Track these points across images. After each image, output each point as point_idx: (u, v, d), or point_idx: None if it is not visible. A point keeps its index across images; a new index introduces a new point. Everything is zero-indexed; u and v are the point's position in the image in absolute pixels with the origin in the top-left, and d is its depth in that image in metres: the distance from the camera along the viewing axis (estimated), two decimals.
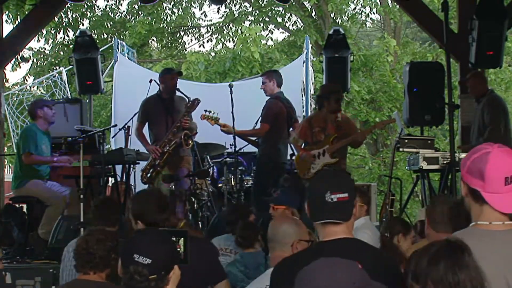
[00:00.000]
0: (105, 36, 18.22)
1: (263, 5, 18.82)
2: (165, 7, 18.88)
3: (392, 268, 2.60)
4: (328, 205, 2.59)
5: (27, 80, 18.07)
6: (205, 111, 7.61)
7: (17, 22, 12.45)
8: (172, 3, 18.87)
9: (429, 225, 3.68)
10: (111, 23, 18.70)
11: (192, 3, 18.93)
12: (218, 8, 18.83)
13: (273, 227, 3.52)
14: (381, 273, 2.46)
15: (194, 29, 20.08)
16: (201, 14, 23.97)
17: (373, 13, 18.77)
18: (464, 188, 2.40)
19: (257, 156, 7.74)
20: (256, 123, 7.78)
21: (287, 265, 2.73)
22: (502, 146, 2.35)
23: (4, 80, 11.91)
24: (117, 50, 11.99)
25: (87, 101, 9.33)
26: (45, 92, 15.23)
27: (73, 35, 17.00)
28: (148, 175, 7.29)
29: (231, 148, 7.81)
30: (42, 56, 18.63)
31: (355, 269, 2.07)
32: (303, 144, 7.39)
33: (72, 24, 17.57)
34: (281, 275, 2.70)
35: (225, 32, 19.13)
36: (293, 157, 7.99)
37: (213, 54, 18.75)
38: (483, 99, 7.19)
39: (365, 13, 18.59)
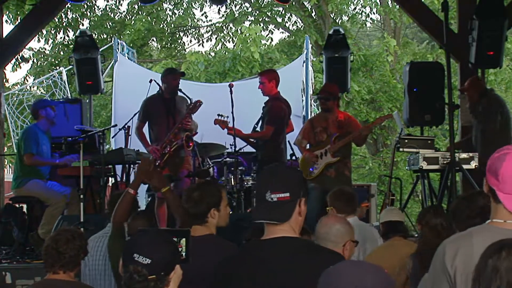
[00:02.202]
0: (105, 36, 18.23)
1: (263, 5, 18.82)
2: (166, 8, 18.90)
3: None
4: (268, 205, 2.55)
5: (27, 80, 18.09)
6: (218, 115, 7.57)
7: (17, 22, 12.45)
8: (173, 4, 18.88)
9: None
10: (111, 23, 18.71)
11: (192, 3, 18.94)
12: (219, 9, 18.86)
13: (326, 225, 3.44)
14: (316, 276, 2.45)
15: (194, 30, 20.08)
16: (202, 15, 24.02)
17: (373, 13, 18.79)
18: (485, 186, 2.42)
19: (259, 157, 7.70)
20: (257, 123, 7.74)
21: (229, 261, 2.73)
22: None
23: (4, 80, 11.92)
24: (117, 50, 12.00)
25: (87, 101, 9.33)
26: (45, 92, 15.23)
27: (73, 35, 17.02)
28: None
29: (231, 148, 7.81)
30: (42, 56, 18.64)
31: (382, 273, 2.05)
32: (307, 145, 7.41)
33: (72, 24, 17.58)
34: (221, 271, 2.69)
35: (225, 32, 19.14)
36: (293, 157, 8.00)
37: (213, 54, 18.76)
38: (480, 104, 7.21)
39: (365, 13, 18.61)
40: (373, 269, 2.01)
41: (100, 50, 9.62)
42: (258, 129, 7.67)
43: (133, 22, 18.29)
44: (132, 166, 7.95)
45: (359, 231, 4.99)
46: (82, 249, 3.61)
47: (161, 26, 18.98)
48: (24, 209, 7.55)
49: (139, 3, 16.85)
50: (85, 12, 18.03)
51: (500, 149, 2.40)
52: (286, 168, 2.79)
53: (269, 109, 7.53)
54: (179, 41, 20.46)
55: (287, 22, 19.14)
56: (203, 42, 20.09)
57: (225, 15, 19.04)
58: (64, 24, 17.57)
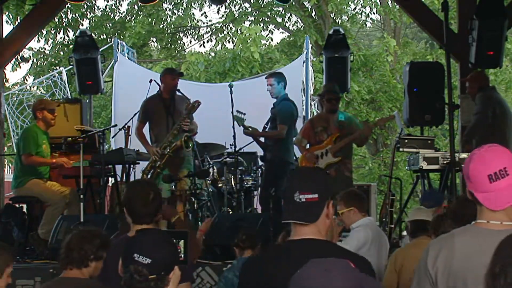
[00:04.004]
0: (105, 36, 18.22)
1: (263, 5, 18.82)
2: (165, 8, 18.89)
3: (364, 270, 2.54)
4: (296, 205, 2.55)
5: (27, 80, 18.08)
6: (237, 111, 7.63)
7: (17, 22, 12.46)
8: (173, 4, 18.87)
9: None
10: (111, 23, 18.70)
11: (192, 3, 18.94)
12: (218, 9, 18.85)
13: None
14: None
15: (194, 30, 20.08)
16: (201, 15, 23.96)
17: (373, 13, 18.80)
18: (467, 191, 2.44)
19: (268, 157, 7.73)
20: (267, 124, 7.80)
21: (255, 264, 2.73)
22: (492, 145, 2.39)
23: (4, 80, 11.91)
24: (117, 50, 11.99)
25: (87, 101, 9.33)
26: (45, 92, 15.22)
27: (73, 35, 17.01)
28: (148, 176, 7.28)
29: (231, 148, 7.81)
30: (42, 56, 18.63)
31: (349, 268, 2.05)
32: (307, 145, 7.43)
33: (72, 24, 17.57)
34: (249, 274, 2.68)
35: (225, 32, 19.13)
36: (294, 157, 8.01)
37: (213, 54, 18.75)
38: (476, 98, 7.29)
39: (365, 13, 18.62)
40: (340, 265, 2.02)
41: (100, 50, 9.62)
42: (267, 129, 7.75)
43: (133, 23, 18.27)
44: (132, 166, 7.95)
45: (377, 230, 5.06)
46: (98, 248, 3.60)
47: (161, 26, 18.98)
48: (24, 209, 7.55)
49: (139, 3, 16.84)
50: (85, 12, 18.02)
51: (471, 153, 2.44)
52: (315, 169, 2.79)
53: (280, 108, 7.63)
54: (179, 41, 20.46)
55: (287, 22, 19.16)
56: (203, 43, 20.14)
57: (225, 15, 19.05)
58: (64, 24, 17.56)
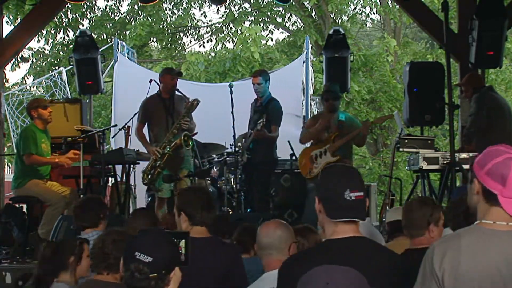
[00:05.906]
0: (105, 36, 18.23)
1: (263, 5, 18.83)
2: (165, 8, 18.90)
3: (403, 267, 2.62)
4: (348, 204, 2.58)
5: (25, 81, 18.07)
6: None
7: (17, 22, 12.46)
8: (172, 3, 18.88)
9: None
10: (111, 23, 18.71)
11: (192, 3, 18.95)
12: (218, 9, 18.86)
13: (267, 233, 3.44)
14: (392, 273, 2.52)
15: (194, 30, 20.08)
16: (201, 14, 23.95)
17: (373, 13, 18.82)
18: (477, 187, 2.40)
19: (258, 159, 7.69)
20: (262, 123, 7.79)
21: (296, 262, 2.70)
22: None
23: (4, 80, 11.91)
24: (117, 50, 12.00)
25: (87, 101, 9.33)
26: (45, 92, 15.23)
27: (73, 35, 17.02)
28: (149, 176, 7.28)
29: (231, 148, 7.80)
30: (42, 56, 18.63)
31: (354, 275, 2.06)
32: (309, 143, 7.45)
33: (72, 24, 17.59)
34: (290, 273, 2.65)
35: (225, 32, 19.15)
36: (293, 157, 8.01)
37: (213, 54, 18.76)
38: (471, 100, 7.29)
39: (365, 13, 18.63)
40: (343, 269, 2.03)
41: (100, 50, 9.62)
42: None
43: (133, 23, 18.26)
44: (132, 166, 7.94)
45: (370, 230, 5.05)
46: None
47: (161, 26, 18.98)
48: (24, 209, 7.55)
49: (139, 3, 16.85)
50: (85, 12, 18.04)
51: (491, 151, 2.39)
52: (353, 168, 2.84)
53: (273, 109, 7.61)
54: (179, 41, 20.46)
55: (287, 22, 19.17)
56: (204, 43, 20.14)
57: (225, 15, 19.06)
58: (64, 24, 17.57)
